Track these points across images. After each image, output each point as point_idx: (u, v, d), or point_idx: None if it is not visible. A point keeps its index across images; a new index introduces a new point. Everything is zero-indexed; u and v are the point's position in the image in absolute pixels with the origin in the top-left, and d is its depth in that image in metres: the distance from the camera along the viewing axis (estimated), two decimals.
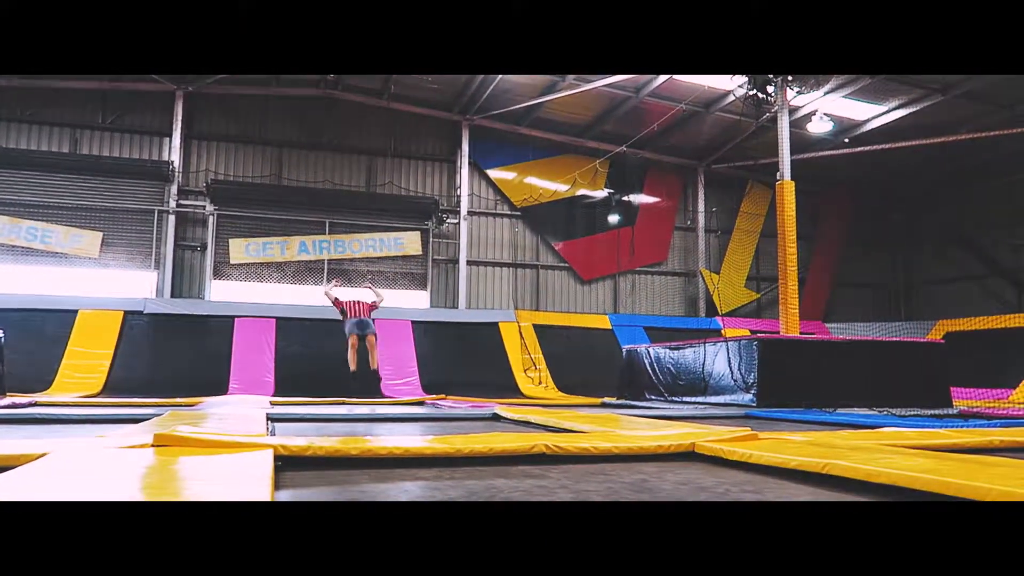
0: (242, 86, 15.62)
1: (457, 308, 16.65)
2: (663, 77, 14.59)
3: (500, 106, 16.35)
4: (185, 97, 15.39)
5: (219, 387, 12.41)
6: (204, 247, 15.40)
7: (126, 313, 13.54)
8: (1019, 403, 12.51)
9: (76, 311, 13.24)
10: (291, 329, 14.10)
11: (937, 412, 8.61)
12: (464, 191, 17.09)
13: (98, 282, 14.61)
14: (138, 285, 14.91)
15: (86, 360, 12.68)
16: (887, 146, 15.61)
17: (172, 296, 14.90)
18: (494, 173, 17.60)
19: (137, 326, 13.50)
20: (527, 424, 6.15)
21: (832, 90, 14.54)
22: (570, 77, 14.79)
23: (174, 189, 15.21)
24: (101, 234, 14.74)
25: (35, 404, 8.29)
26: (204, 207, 15.45)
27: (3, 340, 9.77)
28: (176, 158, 15.27)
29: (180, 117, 15.36)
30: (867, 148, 15.98)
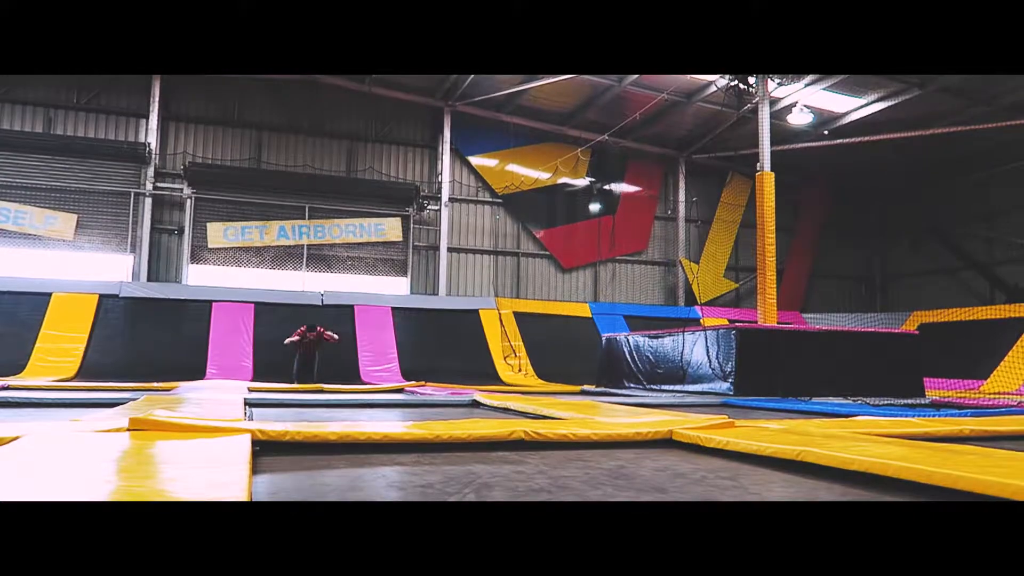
0: None
1: (437, 295, 16.62)
2: None
3: (482, 93, 16.28)
4: (162, 78, 15.16)
5: (196, 372, 12.32)
6: (181, 231, 15.23)
7: (101, 296, 13.38)
8: (990, 393, 12.74)
9: (50, 294, 13.07)
10: (270, 314, 14.01)
11: (910, 402, 8.74)
12: (445, 177, 17.03)
13: (73, 265, 14.41)
14: (114, 268, 14.72)
15: (60, 344, 12.52)
16: (866, 139, 15.75)
17: (149, 280, 14.73)
18: (476, 160, 17.55)
19: (113, 310, 13.35)
20: (506, 411, 6.17)
21: (812, 82, 14.63)
22: None
23: (151, 171, 15.01)
24: (76, 216, 14.52)
25: (7, 388, 8.18)
26: (181, 190, 15.27)
27: None
28: (153, 140, 15.06)
29: (157, 98, 15.14)
30: (846, 140, 16.10)
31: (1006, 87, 14.41)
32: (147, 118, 15.15)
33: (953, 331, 16.15)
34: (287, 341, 11.85)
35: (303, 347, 11.89)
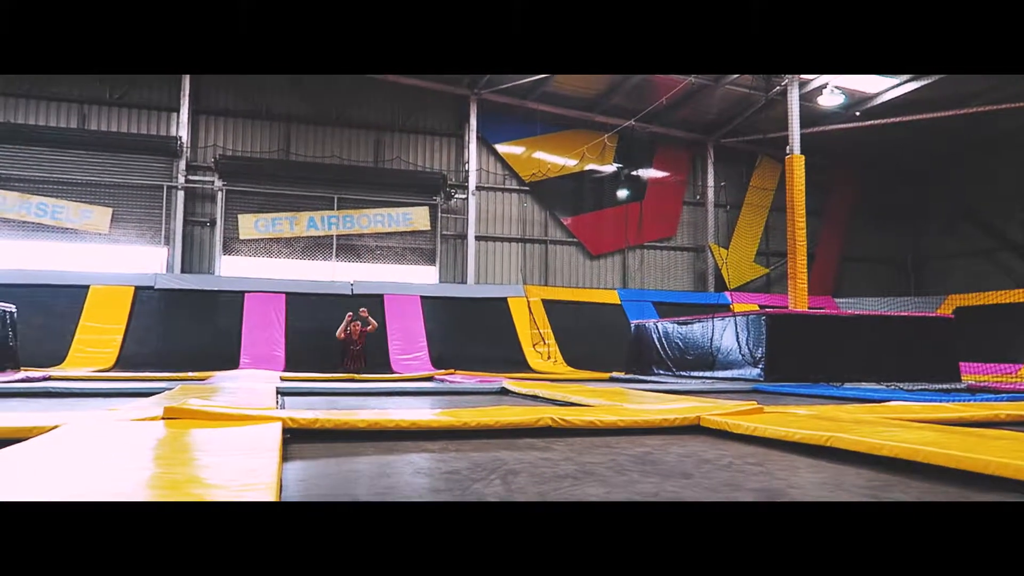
0: None
1: (466, 283, 16.67)
2: None
3: (508, 80, 16.23)
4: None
5: (230, 362, 12.52)
6: (213, 223, 15.45)
7: (137, 288, 13.64)
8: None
9: (87, 287, 13.35)
10: (301, 304, 14.18)
11: (945, 386, 8.61)
12: (472, 166, 17.04)
13: (109, 258, 14.70)
14: (148, 260, 14.98)
15: (98, 335, 12.80)
16: (898, 119, 15.43)
17: (182, 271, 14.98)
18: (502, 148, 17.53)
19: (148, 301, 13.60)
20: (534, 398, 6.20)
21: None
22: None
23: (182, 165, 15.23)
24: (111, 210, 14.80)
25: (48, 378, 8.39)
26: (213, 183, 15.48)
27: (16, 315, 9.86)
28: (184, 133, 15.27)
29: (187, 93, 15.34)
30: (878, 121, 15.80)
31: None
32: (178, 112, 15.36)
33: (990, 314, 15.82)
34: (340, 334, 11.86)
35: (350, 338, 11.87)
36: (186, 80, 15.31)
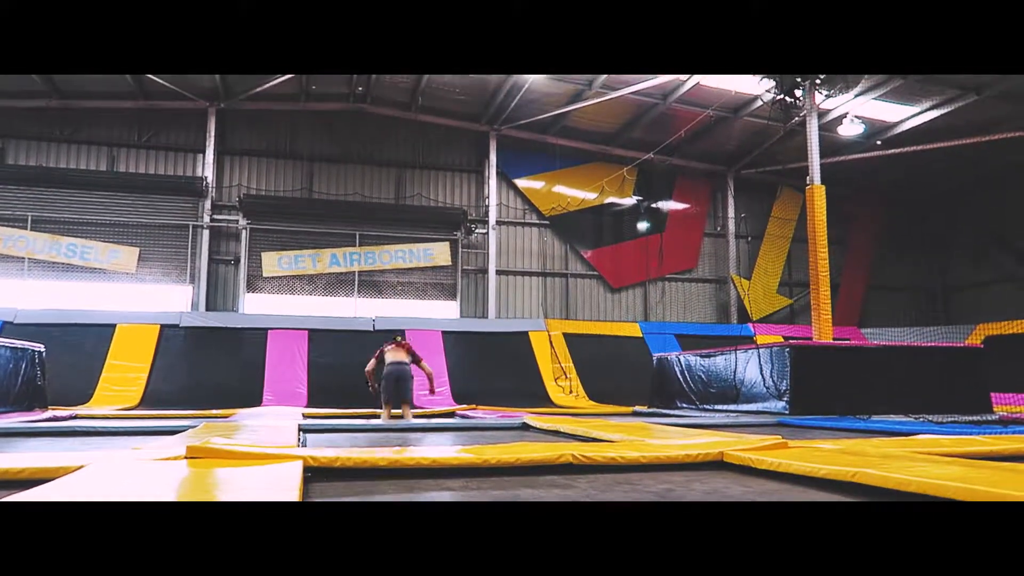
0: (273, 102, 15.88)
1: (487, 318, 16.69)
2: (690, 83, 14.53)
3: (527, 116, 16.40)
4: (217, 114, 15.70)
5: (253, 398, 12.58)
6: (237, 261, 15.66)
7: (163, 327, 13.81)
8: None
9: (114, 325, 13.54)
10: (323, 340, 14.25)
11: (976, 419, 8.42)
12: (492, 201, 17.16)
13: (135, 296, 14.93)
14: (174, 299, 15.19)
15: (124, 373, 12.94)
16: (920, 147, 15.35)
17: (207, 309, 15.16)
18: (522, 182, 17.65)
19: (173, 339, 13.76)
20: (556, 433, 6.15)
21: (862, 92, 14.36)
22: (596, 85, 14.80)
23: (208, 204, 15.51)
24: (138, 249, 15.06)
25: (75, 417, 8.49)
26: (237, 221, 15.72)
27: (44, 355, 10.02)
28: (209, 174, 15.57)
29: (213, 133, 15.67)
30: (900, 150, 15.72)
31: None
32: (203, 153, 15.68)
33: (1022, 343, 15.51)
34: (368, 369, 9.21)
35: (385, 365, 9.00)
36: (211, 121, 15.66)
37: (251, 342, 14.01)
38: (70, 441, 5.48)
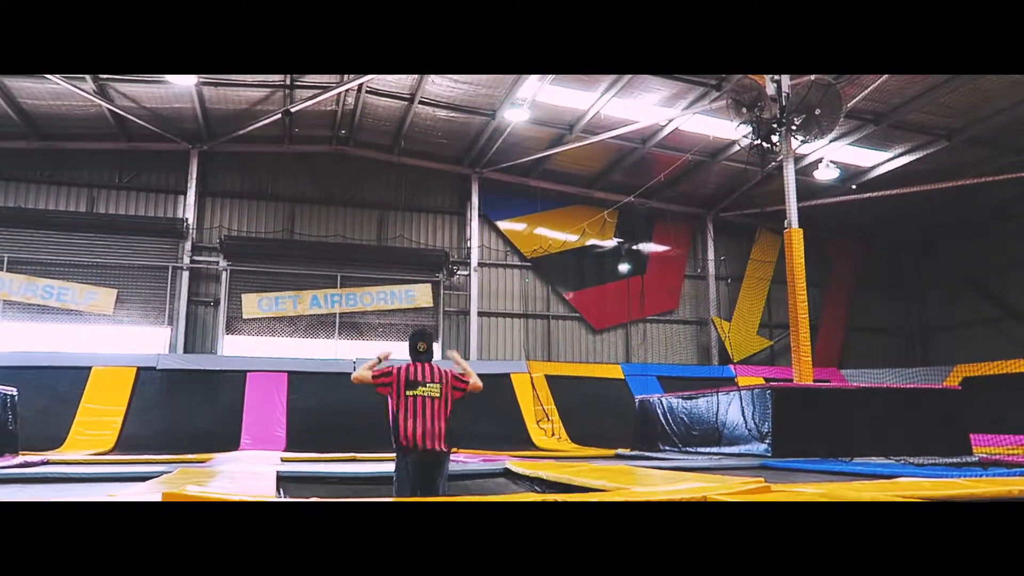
0: (255, 144, 15.92)
1: (469, 360, 16.61)
2: (669, 128, 14.77)
3: (509, 159, 16.56)
4: (200, 155, 15.70)
5: (231, 441, 12.37)
6: (217, 302, 15.53)
7: (139, 369, 13.61)
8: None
9: (90, 368, 13.33)
10: (303, 383, 14.10)
11: (956, 460, 8.46)
12: (474, 243, 17.22)
13: (112, 338, 14.73)
14: (151, 341, 15.00)
15: (99, 417, 12.70)
16: (894, 192, 15.65)
17: (185, 351, 14.97)
18: (504, 224, 17.74)
19: (150, 382, 13.55)
20: (539, 481, 6.09)
21: (837, 138, 14.66)
22: (577, 129, 14.99)
23: (188, 245, 15.43)
24: (116, 291, 14.90)
25: (47, 462, 8.29)
26: (217, 263, 15.64)
27: (16, 398, 9.82)
28: (190, 215, 15.51)
29: (195, 175, 15.66)
30: (874, 194, 16.01)
31: None
32: (185, 194, 15.65)
33: (999, 384, 15.64)
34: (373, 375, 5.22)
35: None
36: (194, 163, 15.66)
37: (229, 385, 13.83)
38: (39, 488, 5.35)
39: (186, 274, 15.33)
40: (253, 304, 15.64)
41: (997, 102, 13.25)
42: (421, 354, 5.24)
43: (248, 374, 14.05)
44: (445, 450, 5.04)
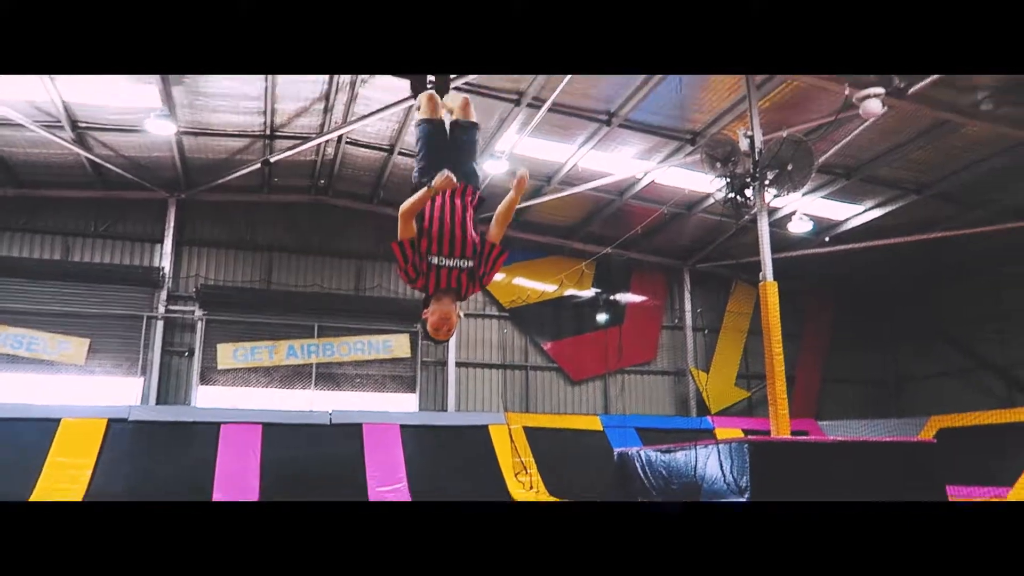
0: (234, 193, 15.93)
1: (447, 411, 16.47)
2: (645, 180, 15.00)
3: (488, 209, 16.43)
4: (178, 204, 15.67)
5: (203, 495, 12.09)
6: (191, 352, 15.32)
7: (110, 421, 13.31)
8: (1017, 501, 12.31)
9: (59, 420, 13.02)
10: (277, 435, 13.86)
11: None
12: None
13: (82, 389, 14.44)
14: (123, 392, 14.72)
15: (67, 470, 12.36)
16: (866, 244, 15.94)
17: (158, 403, 14.71)
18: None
19: (121, 434, 13.25)
20: None
21: (810, 191, 14.95)
22: (555, 181, 15.16)
23: (163, 295, 15.28)
24: (88, 340, 14.67)
25: None
26: (193, 312, 15.48)
27: None
28: (167, 264, 15.41)
29: (172, 224, 15.60)
30: (847, 247, 16.29)
31: (999, 193, 14.66)
32: (162, 243, 15.56)
33: (974, 435, 15.75)
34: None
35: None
36: (171, 212, 15.61)
37: (202, 437, 13.55)
38: None
39: (160, 323, 15.15)
40: (228, 354, 15.46)
41: (963, 159, 13.62)
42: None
43: (222, 426, 13.80)
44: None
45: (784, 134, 11.24)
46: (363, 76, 11.71)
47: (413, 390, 16.58)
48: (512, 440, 15.29)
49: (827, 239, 16.89)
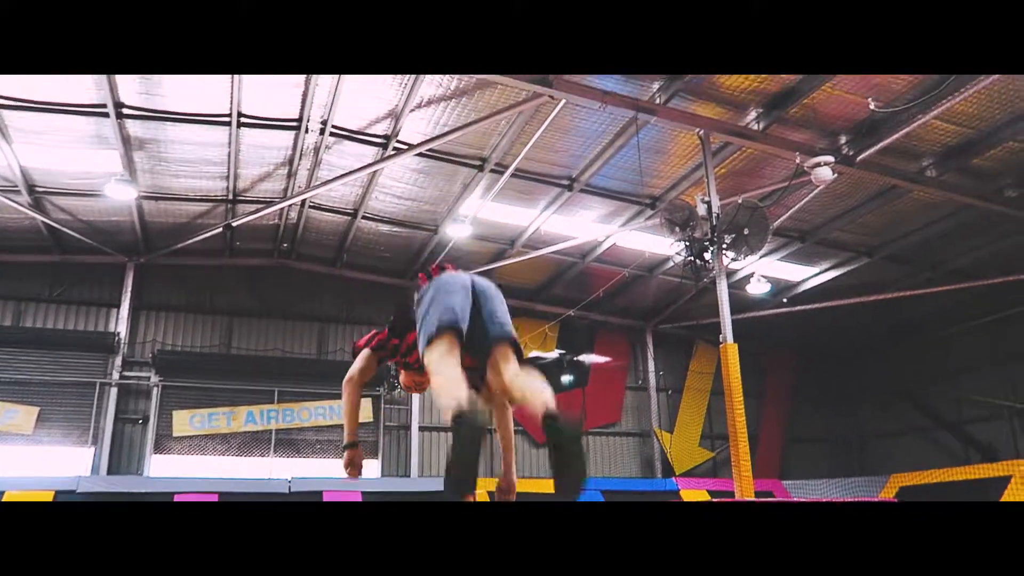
0: (195, 257, 15.75)
1: (410, 476, 16.16)
2: (607, 243, 15.22)
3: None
4: (136, 268, 15.44)
5: None
6: (146, 420, 14.89)
7: (57, 493, 12.77)
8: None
9: (2, 492, 12.45)
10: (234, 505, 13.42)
11: None
12: None
13: (29, 460, 13.88)
14: (73, 462, 14.18)
15: None
16: (822, 305, 16.28)
17: (109, 473, 14.18)
18: None
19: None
20: None
21: (767, 254, 15.31)
22: (518, 244, 15.30)
23: (118, 361, 14.90)
24: (38, 409, 14.18)
25: None
26: (149, 378, 15.10)
27: None
28: (123, 329, 15.08)
29: (130, 288, 15.33)
30: (804, 307, 16.63)
31: (947, 254, 15.18)
32: (118, 307, 15.26)
33: (934, 493, 15.90)
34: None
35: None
36: (129, 276, 15.37)
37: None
38: None
39: (114, 390, 14.73)
40: (185, 421, 15.05)
41: (911, 222, 14.11)
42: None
43: (175, 496, 13.32)
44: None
45: (740, 199, 11.55)
46: (327, 142, 11.81)
47: (376, 455, 16.27)
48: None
49: (785, 300, 17.23)
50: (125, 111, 10.68)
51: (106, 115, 10.54)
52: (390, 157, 11.94)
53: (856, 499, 12.01)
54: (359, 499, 14.23)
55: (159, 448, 14.82)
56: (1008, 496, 14.39)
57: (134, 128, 11.16)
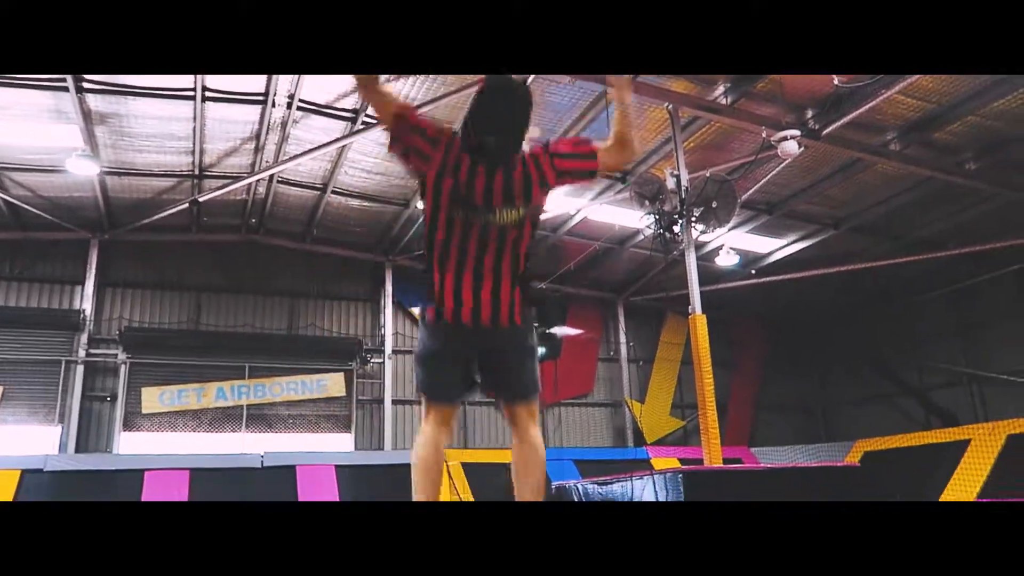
0: (160, 233, 15.52)
1: (383, 449, 16.23)
2: (578, 217, 15.26)
3: (423, 246, 16.63)
4: (100, 245, 15.19)
5: None
6: (114, 398, 14.75)
7: (24, 472, 12.66)
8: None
9: None
10: (206, 480, 13.39)
11: None
12: (388, 330, 17.08)
13: None
14: (39, 441, 14.03)
15: None
16: (790, 276, 16.51)
17: (77, 451, 14.07)
18: (419, 311, 17.68)
19: (36, 487, 12.60)
20: None
21: (735, 226, 15.44)
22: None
23: (84, 338, 14.71)
24: (2, 388, 13.99)
25: None
26: (116, 356, 14.93)
27: None
28: (88, 306, 14.86)
29: (94, 265, 15.09)
30: (772, 278, 16.84)
31: (910, 226, 15.45)
32: (83, 285, 15.02)
33: (896, 457, 16.34)
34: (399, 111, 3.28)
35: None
36: (93, 253, 15.12)
37: (125, 486, 12.99)
38: None
39: (81, 368, 14.55)
40: (154, 398, 14.94)
41: (875, 194, 14.32)
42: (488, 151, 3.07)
43: (146, 473, 13.27)
44: (518, 324, 3.06)
45: (708, 173, 11.65)
46: (295, 116, 11.65)
47: (348, 429, 16.30)
48: (451, 477, 15.14)
49: (753, 271, 17.43)
50: (85, 84, 10.44)
51: (65, 89, 10.29)
52: (359, 131, 11.83)
53: (820, 463, 12.32)
54: (332, 472, 14.29)
55: (128, 425, 14.71)
56: (967, 458, 14.85)
57: (95, 102, 10.91)
